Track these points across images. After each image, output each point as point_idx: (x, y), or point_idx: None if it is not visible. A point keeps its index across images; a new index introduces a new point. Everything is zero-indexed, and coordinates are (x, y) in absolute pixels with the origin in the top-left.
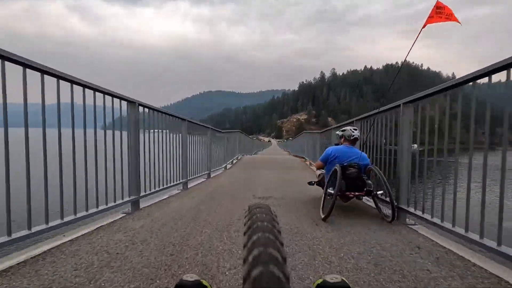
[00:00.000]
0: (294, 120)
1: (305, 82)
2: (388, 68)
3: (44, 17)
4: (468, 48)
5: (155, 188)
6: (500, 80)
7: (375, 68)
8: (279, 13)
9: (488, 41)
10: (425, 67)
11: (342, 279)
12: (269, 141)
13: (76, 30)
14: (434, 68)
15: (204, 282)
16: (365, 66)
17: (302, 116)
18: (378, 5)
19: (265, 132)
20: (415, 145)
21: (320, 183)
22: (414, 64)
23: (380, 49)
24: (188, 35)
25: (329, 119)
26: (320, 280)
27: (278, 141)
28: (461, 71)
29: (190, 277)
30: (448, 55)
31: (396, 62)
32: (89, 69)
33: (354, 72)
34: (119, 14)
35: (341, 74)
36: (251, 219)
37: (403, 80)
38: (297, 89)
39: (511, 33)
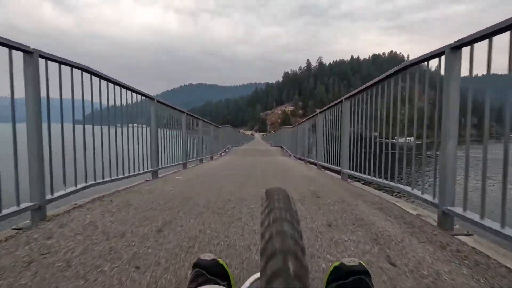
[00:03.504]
0: (279, 112)
1: (290, 72)
2: (375, 58)
3: (12, 6)
4: (446, 40)
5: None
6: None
7: (362, 58)
8: (263, 5)
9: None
10: (410, 58)
11: (359, 263)
12: (252, 134)
13: (49, 21)
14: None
15: (221, 261)
16: (352, 56)
17: (288, 108)
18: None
19: (248, 125)
20: (412, 138)
21: None
22: (400, 54)
23: (365, 44)
24: (169, 27)
25: (317, 110)
26: (338, 263)
27: (262, 135)
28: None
29: (207, 256)
30: (429, 49)
31: (383, 52)
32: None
33: (341, 62)
34: (96, 4)
35: (327, 64)
36: (268, 208)
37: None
38: (281, 79)
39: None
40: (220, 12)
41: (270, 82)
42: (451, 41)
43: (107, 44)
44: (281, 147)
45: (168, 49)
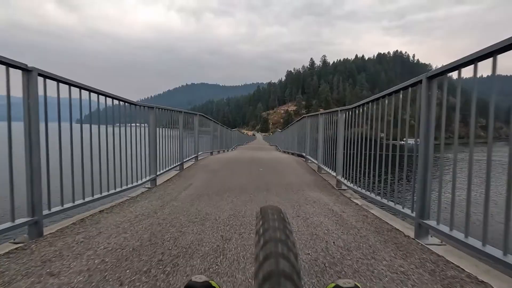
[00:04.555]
0: (282, 111)
1: (293, 71)
2: (381, 57)
3: (15, 3)
4: (449, 43)
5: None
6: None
7: (367, 58)
8: (266, 5)
9: (468, 36)
10: (414, 59)
11: (355, 284)
12: (254, 134)
13: (52, 18)
14: (422, 61)
15: (213, 283)
16: (356, 55)
17: (291, 107)
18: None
19: (250, 125)
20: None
21: None
22: (406, 54)
23: (368, 44)
24: (172, 26)
25: (321, 110)
26: (333, 284)
27: (264, 135)
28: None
29: (199, 278)
30: (431, 50)
31: (388, 52)
32: (69, 60)
33: (345, 61)
34: (99, 2)
35: (331, 62)
36: (263, 227)
37: (395, 70)
38: (284, 78)
39: (488, 27)
40: (223, 11)
41: (272, 81)
42: (452, 42)
43: (110, 42)
44: (276, 145)
45: (170, 48)
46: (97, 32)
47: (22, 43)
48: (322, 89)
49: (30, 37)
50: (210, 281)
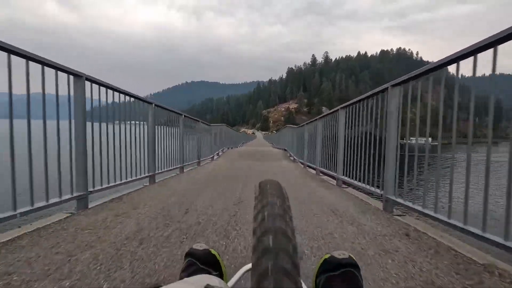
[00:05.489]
0: (283, 109)
1: (294, 68)
2: (384, 54)
3: (15, 2)
4: (451, 42)
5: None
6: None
7: (369, 55)
8: (267, 4)
9: (469, 36)
10: (418, 56)
11: (349, 256)
12: (253, 133)
13: (53, 17)
14: (425, 58)
15: (213, 251)
16: (359, 52)
17: (292, 105)
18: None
19: (250, 123)
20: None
21: None
22: (409, 51)
23: (369, 44)
24: (172, 25)
25: (323, 108)
26: (328, 255)
27: (265, 134)
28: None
29: (199, 246)
30: (432, 50)
31: (391, 49)
32: (68, 58)
33: (348, 58)
34: (99, 2)
35: (333, 59)
36: (261, 203)
37: (399, 68)
38: (285, 75)
39: (490, 27)
40: (224, 10)
41: (273, 78)
42: (453, 42)
43: (110, 41)
44: (285, 149)
45: (170, 46)
46: (97, 31)
47: (20, 40)
48: (324, 87)
49: (29, 35)
50: (210, 249)
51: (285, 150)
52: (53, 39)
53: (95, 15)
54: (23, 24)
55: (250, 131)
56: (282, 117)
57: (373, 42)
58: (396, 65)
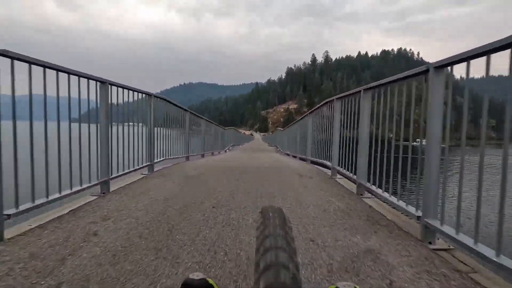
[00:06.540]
0: (282, 110)
1: (293, 68)
2: (385, 54)
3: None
4: (449, 43)
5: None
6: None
7: (370, 54)
8: (267, 5)
9: (467, 37)
10: (419, 57)
11: (355, 287)
12: (251, 134)
13: (52, 16)
14: (426, 59)
15: (210, 281)
16: (359, 52)
17: (292, 105)
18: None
19: (248, 124)
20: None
21: None
22: (410, 51)
23: (368, 44)
24: (172, 26)
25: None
26: (333, 287)
27: (263, 135)
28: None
29: (196, 275)
30: (432, 50)
31: (392, 49)
32: (67, 57)
33: (348, 58)
34: (100, 2)
35: (334, 59)
36: (264, 226)
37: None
38: (284, 75)
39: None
40: (224, 11)
41: (272, 78)
42: (454, 42)
43: (109, 41)
44: (276, 146)
45: (169, 47)
46: (97, 31)
47: (20, 40)
48: (325, 87)
49: (29, 34)
50: (207, 279)
51: (276, 147)
52: (52, 37)
53: (95, 15)
54: (21, 23)
55: (248, 132)
56: (282, 118)
57: (373, 43)
58: (398, 64)
